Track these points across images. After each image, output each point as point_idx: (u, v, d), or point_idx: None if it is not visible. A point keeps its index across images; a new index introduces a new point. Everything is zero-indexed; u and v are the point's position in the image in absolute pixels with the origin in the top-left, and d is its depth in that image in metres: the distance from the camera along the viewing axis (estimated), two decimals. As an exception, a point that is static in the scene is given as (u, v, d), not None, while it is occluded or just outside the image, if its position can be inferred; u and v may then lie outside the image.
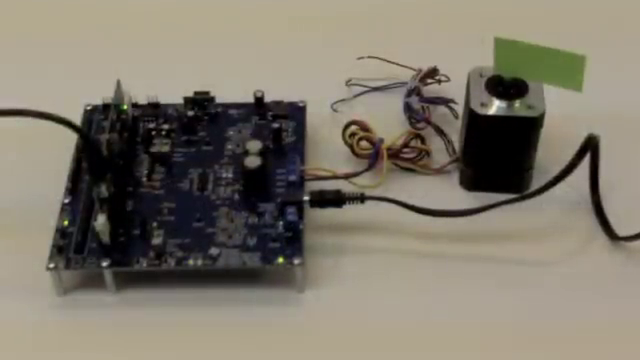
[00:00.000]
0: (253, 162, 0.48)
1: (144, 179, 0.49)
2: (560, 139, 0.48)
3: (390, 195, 0.48)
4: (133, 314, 0.45)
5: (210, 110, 0.53)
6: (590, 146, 0.47)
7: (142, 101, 0.53)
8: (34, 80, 0.57)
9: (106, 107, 0.52)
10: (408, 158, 0.51)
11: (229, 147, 0.51)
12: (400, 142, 0.51)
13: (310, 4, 0.61)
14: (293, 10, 0.60)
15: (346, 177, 0.49)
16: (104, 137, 0.47)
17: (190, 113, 0.52)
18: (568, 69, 0.45)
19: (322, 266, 0.47)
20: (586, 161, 0.47)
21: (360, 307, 0.46)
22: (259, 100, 0.53)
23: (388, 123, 0.52)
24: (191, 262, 0.45)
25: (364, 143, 0.51)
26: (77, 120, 0.52)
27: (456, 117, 0.52)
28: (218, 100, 0.53)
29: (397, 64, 0.55)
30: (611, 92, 0.53)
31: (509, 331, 0.45)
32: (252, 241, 0.46)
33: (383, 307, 0.46)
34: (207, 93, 0.53)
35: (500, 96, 0.47)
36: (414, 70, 0.54)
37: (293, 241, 0.46)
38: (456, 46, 0.54)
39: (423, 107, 0.52)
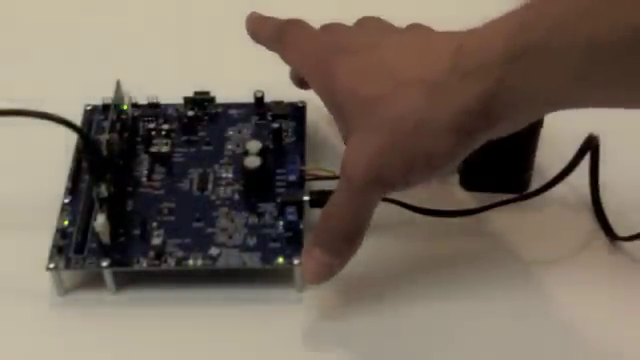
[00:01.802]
0: (253, 162, 0.48)
1: (144, 179, 0.49)
2: (560, 139, 0.48)
3: (390, 195, 0.48)
4: (133, 314, 0.45)
5: (210, 110, 0.53)
6: (590, 146, 0.47)
7: (142, 101, 0.53)
8: (34, 80, 0.57)
9: (106, 107, 0.52)
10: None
11: (229, 147, 0.51)
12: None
13: (310, 4, 0.61)
14: (293, 10, 0.60)
15: (346, 177, 0.49)
16: (104, 137, 0.47)
17: (190, 113, 0.52)
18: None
19: (322, 266, 0.47)
20: (586, 161, 0.47)
21: (360, 307, 0.46)
22: (259, 100, 0.53)
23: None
24: (191, 262, 0.45)
25: (364, 143, 0.51)
26: (77, 120, 0.52)
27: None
28: (218, 100, 0.53)
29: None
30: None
31: (508, 330, 0.45)
32: (252, 241, 0.46)
33: (383, 307, 0.46)
34: (207, 93, 0.53)
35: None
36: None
37: (293, 241, 0.46)
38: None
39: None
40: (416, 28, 0.44)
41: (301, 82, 0.49)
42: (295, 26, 0.47)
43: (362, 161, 0.41)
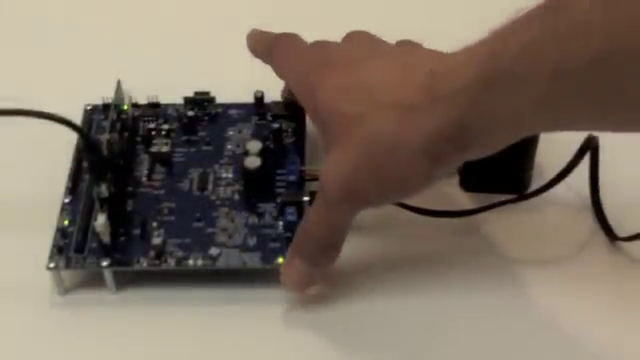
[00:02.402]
0: (253, 162, 0.48)
1: (144, 179, 0.49)
2: (560, 139, 0.48)
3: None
4: (133, 313, 0.45)
5: (210, 110, 0.53)
6: (590, 146, 0.47)
7: (142, 101, 0.53)
8: (34, 80, 0.57)
9: (106, 107, 0.52)
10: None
11: (229, 147, 0.51)
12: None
13: (308, 5, 0.61)
14: (292, 10, 0.60)
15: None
16: (104, 137, 0.47)
17: (190, 113, 0.52)
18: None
19: (322, 266, 0.47)
20: (586, 161, 0.47)
21: (359, 307, 0.46)
22: (259, 100, 0.53)
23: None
24: (191, 262, 0.45)
25: (364, 143, 0.51)
26: (77, 120, 0.52)
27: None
28: (218, 100, 0.53)
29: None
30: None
31: (508, 331, 0.45)
32: (252, 241, 0.46)
33: (382, 307, 0.46)
34: (207, 93, 0.53)
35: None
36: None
37: (293, 241, 0.46)
38: (457, 45, 0.54)
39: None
40: (403, 45, 0.45)
41: (292, 94, 0.50)
42: (285, 41, 0.48)
43: (338, 178, 0.42)
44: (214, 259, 0.45)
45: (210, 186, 0.49)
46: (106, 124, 0.49)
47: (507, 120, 0.38)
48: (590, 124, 0.39)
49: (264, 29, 0.50)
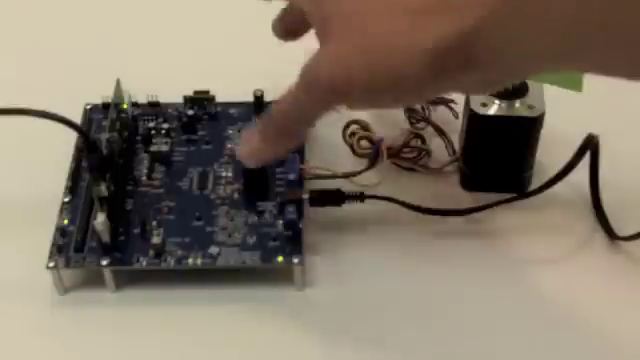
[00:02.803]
0: (253, 161, 0.48)
1: (144, 178, 0.49)
2: (560, 139, 0.48)
3: (390, 194, 0.48)
4: (133, 312, 0.45)
5: (210, 109, 0.53)
6: (590, 146, 0.47)
7: (142, 100, 0.53)
8: (34, 80, 0.57)
9: (106, 106, 0.52)
10: (408, 158, 0.51)
11: (229, 146, 0.51)
12: (400, 142, 0.51)
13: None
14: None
15: (346, 176, 0.49)
16: (104, 136, 0.47)
17: (190, 112, 0.52)
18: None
19: (322, 265, 0.47)
20: (586, 160, 0.47)
21: (359, 306, 0.46)
22: (259, 99, 0.53)
23: (388, 123, 0.52)
24: (191, 261, 0.45)
25: (364, 142, 0.51)
26: (77, 119, 0.52)
27: (456, 117, 0.52)
28: (218, 99, 0.53)
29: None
30: (611, 92, 0.53)
31: (508, 331, 0.45)
32: (252, 240, 0.46)
33: (382, 306, 0.46)
34: (207, 92, 0.53)
35: (500, 96, 0.47)
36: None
37: (293, 240, 0.46)
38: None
39: (423, 107, 0.52)
40: None
41: (286, 32, 0.49)
42: None
43: (325, 67, 0.40)
44: (214, 258, 0.45)
45: (210, 185, 0.49)
46: (106, 123, 0.49)
47: (519, 42, 0.37)
48: (602, 63, 0.37)
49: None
